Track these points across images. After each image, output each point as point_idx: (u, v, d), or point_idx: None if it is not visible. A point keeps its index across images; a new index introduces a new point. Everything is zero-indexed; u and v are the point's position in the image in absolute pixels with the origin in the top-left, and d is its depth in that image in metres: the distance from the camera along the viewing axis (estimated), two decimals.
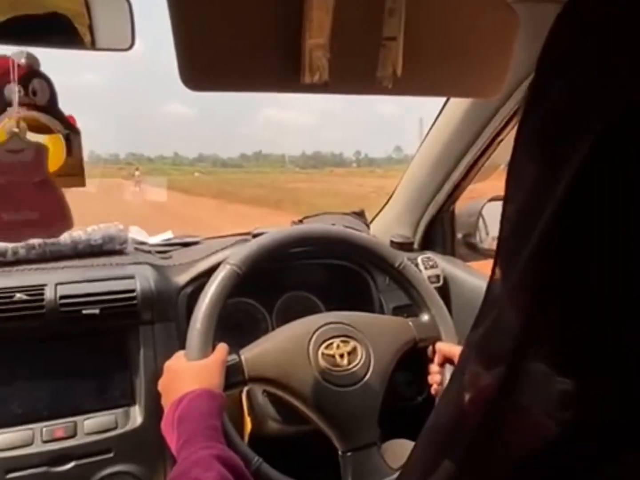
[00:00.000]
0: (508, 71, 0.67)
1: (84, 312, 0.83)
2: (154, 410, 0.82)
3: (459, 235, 1.27)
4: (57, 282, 0.84)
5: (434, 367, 0.86)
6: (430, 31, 0.62)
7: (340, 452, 0.77)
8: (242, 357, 0.75)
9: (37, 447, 0.77)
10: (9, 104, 0.55)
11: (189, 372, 0.69)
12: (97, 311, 0.83)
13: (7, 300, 0.80)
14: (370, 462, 0.77)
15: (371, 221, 1.36)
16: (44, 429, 0.78)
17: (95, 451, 0.80)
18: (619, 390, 0.22)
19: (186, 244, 1.10)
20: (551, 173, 0.23)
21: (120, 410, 0.84)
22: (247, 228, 1.15)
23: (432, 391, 0.86)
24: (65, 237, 0.94)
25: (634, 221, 0.20)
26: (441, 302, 0.91)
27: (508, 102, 0.91)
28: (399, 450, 0.93)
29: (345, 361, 0.80)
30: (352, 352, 0.81)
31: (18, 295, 0.80)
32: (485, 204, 1.23)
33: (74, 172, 0.63)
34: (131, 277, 0.90)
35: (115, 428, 0.82)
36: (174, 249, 1.08)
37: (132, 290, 0.87)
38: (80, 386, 0.84)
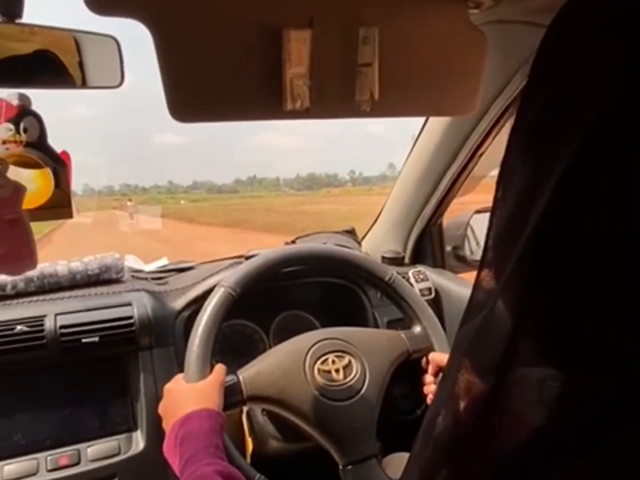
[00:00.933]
0: (480, 89, 0.71)
1: (84, 340, 0.84)
2: (156, 435, 0.83)
3: (449, 248, 1.30)
4: (57, 312, 0.86)
5: (428, 378, 0.87)
6: (404, 56, 0.65)
7: (340, 466, 0.78)
8: (240, 377, 0.76)
9: (42, 477, 0.78)
10: (2, 142, 0.58)
11: (189, 394, 0.70)
12: (96, 339, 0.85)
13: (8, 332, 0.81)
14: (370, 474, 0.78)
15: (362, 238, 1.39)
16: (49, 458, 0.79)
17: (100, 477, 0.81)
18: (605, 388, 0.22)
19: (181, 270, 1.12)
20: (539, 174, 0.24)
21: (122, 435, 0.85)
22: None
23: (428, 401, 0.87)
24: (63, 269, 0.96)
25: (618, 222, 0.21)
26: (432, 314, 0.93)
27: (485, 116, 0.95)
28: (401, 463, 0.94)
29: (341, 376, 0.81)
30: (347, 367, 0.82)
31: (19, 327, 0.82)
32: (472, 216, 1.26)
33: (62, 204, 0.66)
34: (128, 304, 0.92)
35: (118, 454, 0.83)
36: (169, 275, 1.10)
37: (130, 317, 0.89)
38: (82, 414, 0.85)
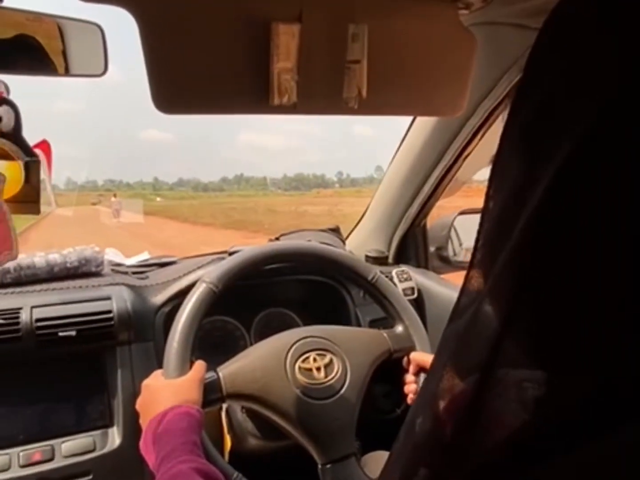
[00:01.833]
0: (468, 90, 0.71)
1: (61, 334, 0.83)
2: (133, 431, 0.82)
3: (432, 249, 1.30)
4: (33, 305, 0.84)
5: (409, 377, 0.87)
6: (392, 54, 0.65)
7: (319, 465, 0.77)
8: (220, 374, 0.76)
9: (15, 472, 0.76)
10: None
11: (167, 390, 0.69)
12: (73, 333, 0.83)
13: None
14: (349, 473, 0.77)
15: (347, 237, 1.38)
16: (21, 454, 0.78)
17: (74, 474, 0.79)
18: (589, 390, 0.22)
19: (163, 264, 1.11)
20: (533, 172, 0.24)
21: (98, 432, 0.84)
22: None
23: (409, 401, 0.88)
24: (41, 261, 0.94)
25: (613, 221, 0.21)
26: (414, 313, 0.93)
27: (471, 118, 0.95)
28: (380, 461, 0.94)
29: (322, 374, 0.81)
30: (328, 365, 0.82)
31: None
32: (456, 217, 1.26)
33: (30, 199, 0.64)
34: (107, 298, 0.90)
35: (93, 450, 0.81)
36: (150, 270, 1.09)
37: (109, 312, 0.87)
38: (57, 409, 0.83)
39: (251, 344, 1.09)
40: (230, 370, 0.77)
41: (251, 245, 0.96)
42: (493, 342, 0.25)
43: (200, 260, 1.08)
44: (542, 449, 0.24)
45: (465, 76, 0.71)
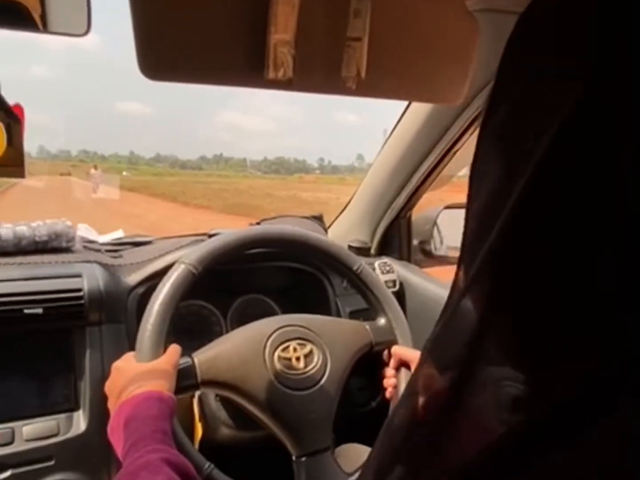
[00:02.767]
0: (468, 78, 0.69)
1: (26, 311, 0.78)
2: (99, 416, 0.78)
3: (415, 242, 1.29)
4: None
5: (389, 371, 0.86)
6: (395, 34, 0.62)
7: (294, 458, 0.75)
8: (195, 360, 0.72)
9: None
10: None
11: (138, 374, 0.66)
12: (40, 311, 0.79)
13: None
14: (324, 467, 0.76)
15: (329, 226, 1.36)
16: None
17: (35, 459, 0.75)
18: (569, 388, 0.22)
19: (138, 244, 1.07)
20: (511, 170, 0.23)
21: (62, 415, 0.80)
22: None
23: (387, 394, 0.86)
24: (7, 232, 0.89)
25: (591, 216, 0.20)
26: (398, 307, 0.92)
27: (466, 110, 0.94)
28: (352, 454, 0.93)
29: (301, 364, 0.78)
30: (308, 355, 0.80)
31: None
32: (440, 212, 1.25)
33: (14, 162, 0.60)
34: (78, 275, 0.85)
35: (57, 434, 0.77)
36: (124, 249, 1.04)
37: (79, 290, 0.83)
38: (20, 390, 0.79)
39: (227, 331, 1.06)
40: (207, 356, 0.74)
41: None
42: (471, 338, 0.25)
43: (178, 241, 1.04)
44: (523, 450, 0.23)
45: (466, 63, 0.69)
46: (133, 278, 0.93)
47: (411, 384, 0.31)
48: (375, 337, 0.87)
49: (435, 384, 0.28)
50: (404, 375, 0.84)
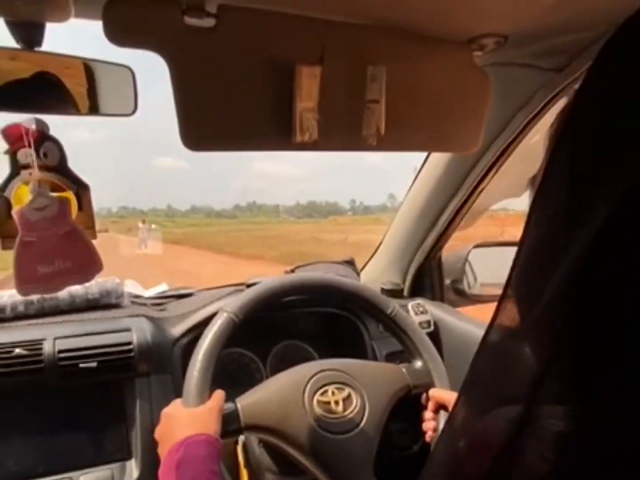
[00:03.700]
0: (483, 127, 0.73)
1: (82, 365, 0.84)
2: (151, 464, 0.81)
3: (447, 282, 1.30)
4: (56, 336, 0.85)
5: (428, 414, 0.86)
6: (410, 93, 0.68)
7: None
8: (238, 405, 0.75)
9: None
10: (23, 167, 0.59)
11: (186, 419, 0.69)
12: (94, 364, 0.84)
13: (7, 355, 0.81)
14: None
15: (361, 269, 1.39)
16: None
17: None
18: (614, 441, 0.22)
19: (181, 296, 1.12)
20: (580, 212, 0.24)
21: (116, 464, 0.84)
22: None
23: (427, 438, 0.86)
24: (63, 292, 0.96)
25: None
26: (433, 348, 0.92)
27: (486, 154, 0.97)
28: None
29: (340, 408, 0.80)
30: (347, 399, 0.82)
31: (17, 351, 0.81)
32: (470, 250, 1.27)
33: (86, 225, 0.67)
34: (127, 329, 0.91)
35: None
36: (168, 301, 1.10)
37: (129, 343, 0.88)
38: (76, 441, 0.83)
39: (267, 377, 1.09)
40: (249, 401, 0.77)
41: None
42: (531, 387, 0.25)
43: (218, 292, 1.10)
44: None
45: (480, 114, 0.73)
46: (178, 329, 0.98)
47: (454, 425, 0.31)
48: (412, 380, 0.88)
49: (478, 427, 0.28)
50: (443, 418, 0.84)
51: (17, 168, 0.60)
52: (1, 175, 0.61)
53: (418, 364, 0.91)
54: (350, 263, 1.37)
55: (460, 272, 1.28)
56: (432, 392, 0.86)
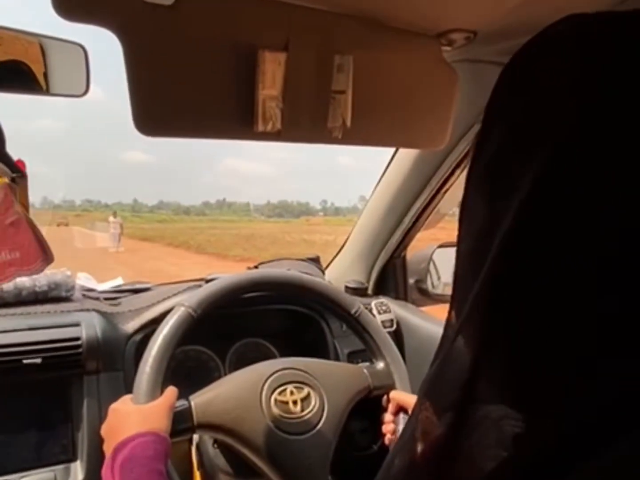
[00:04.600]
0: (450, 124, 0.72)
1: (25, 362, 0.79)
2: (97, 466, 0.77)
3: (411, 281, 1.30)
4: None
5: (387, 416, 0.85)
6: (377, 86, 0.66)
7: None
8: (192, 403, 0.72)
9: None
10: None
11: (135, 416, 0.66)
12: (38, 361, 0.80)
13: None
14: None
15: (326, 267, 1.37)
16: None
17: None
18: (563, 427, 0.22)
19: (136, 291, 1.08)
20: (496, 210, 0.25)
21: (60, 466, 0.79)
22: None
23: (386, 441, 0.85)
24: (8, 284, 0.91)
25: (574, 260, 0.22)
26: (396, 350, 0.91)
27: (452, 153, 0.97)
28: None
29: (298, 408, 0.78)
30: (305, 399, 0.80)
31: None
32: (435, 250, 1.27)
33: None
34: (76, 324, 0.86)
35: None
36: (123, 296, 1.05)
37: (77, 338, 0.84)
38: (18, 441, 0.78)
39: (225, 375, 1.06)
40: (203, 399, 0.74)
41: None
42: (465, 380, 0.26)
43: (175, 287, 1.06)
44: None
45: (447, 111, 0.72)
46: (131, 325, 0.94)
47: (408, 428, 0.31)
48: (374, 381, 0.87)
49: (431, 428, 0.28)
50: (403, 421, 0.83)
51: None
52: None
53: (380, 365, 0.90)
54: (315, 260, 1.35)
55: (425, 271, 1.28)
56: (393, 394, 0.85)
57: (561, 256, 0.22)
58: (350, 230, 1.33)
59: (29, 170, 0.71)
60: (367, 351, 0.94)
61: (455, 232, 0.30)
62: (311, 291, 0.91)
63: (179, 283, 1.12)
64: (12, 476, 0.76)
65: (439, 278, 1.32)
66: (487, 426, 0.25)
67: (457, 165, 0.99)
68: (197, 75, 0.56)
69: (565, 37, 0.25)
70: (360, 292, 1.25)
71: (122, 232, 18.48)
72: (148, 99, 0.54)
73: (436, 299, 1.29)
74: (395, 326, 1.17)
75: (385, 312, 1.17)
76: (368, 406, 0.88)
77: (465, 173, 1.03)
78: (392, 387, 0.87)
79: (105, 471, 0.62)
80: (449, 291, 1.28)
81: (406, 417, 0.82)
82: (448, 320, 0.30)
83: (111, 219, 18.67)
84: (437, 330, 1.10)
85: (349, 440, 1.05)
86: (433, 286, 1.30)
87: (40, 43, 0.65)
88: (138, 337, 0.92)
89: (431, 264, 1.29)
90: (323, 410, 0.80)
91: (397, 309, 1.21)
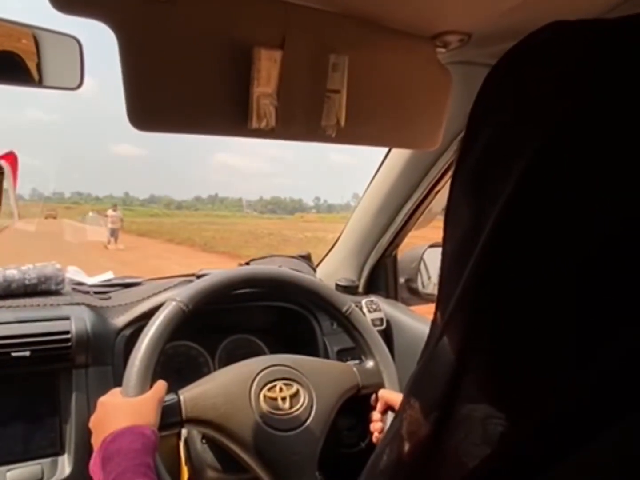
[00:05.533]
0: (443, 124, 0.72)
1: (14, 354, 0.78)
2: (84, 460, 0.77)
3: (402, 280, 1.31)
4: None
5: (375, 415, 0.85)
6: (372, 86, 0.66)
7: None
8: (181, 397, 0.72)
9: None
10: None
11: (124, 409, 0.66)
12: (27, 354, 0.79)
13: None
14: None
15: (317, 265, 1.38)
16: None
17: None
18: (547, 425, 0.23)
19: (127, 285, 1.07)
20: (481, 211, 0.25)
21: (47, 460, 0.79)
22: None
23: (374, 439, 0.85)
24: None
25: (557, 260, 0.22)
26: (386, 349, 0.92)
27: (444, 154, 0.97)
28: None
29: (287, 405, 0.79)
30: (294, 396, 0.80)
31: None
32: (426, 250, 1.28)
33: None
34: (66, 318, 0.86)
35: (41, 479, 0.77)
36: (113, 290, 1.05)
37: (67, 332, 0.84)
38: (5, 434, 0.78)
39: (215, 371, 1.06)
40: (193, 393, 0.74)
41: None
42: (450, 379, 0.26)
43: (166, 282, 1.05)
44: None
45: (440, 112, 0.73)
46: (121, 320, 0.93)
47: (393, 427, 0.32)
48: (363, 379, 0.87)
49: (417, 426, 0.28)
50: (390, 420, 0.84)
51: None
52: None
53: (369, 363, 0.91)
54: (306, 258, 1.35)
55: (415, 271, 1.29)
56: (382, 392, 0.86)
57: (543, 258, 0.22)
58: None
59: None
60: (356, 349, 0.94)
61: None
62: (302, 288, 0.92)
63: (169, 278, 1.12)
64: None
65: (429, 278, 1.33)
66: (471, 424, 0.25)
67: (450, 166, 1.00)
68: (192, 71, 0.56)
69: (548, 44, 0.25)
70: (351, 290, 1.26)
71: (121, 228, 16.96)
72: (142, 93, 0.54)
73: (426, 298, 1.30)
74: (385, 325, 1.17)
75: (375, 310, 1.18)
76: (357, 404, 0.88)
77: None
78: (381, 385, 0.88)
79: (93, 464, 0.62)
80: None
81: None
82: (434, 320, 0.30)
83: (110, 212, 16.54)
84: (427, 330, 1.10)
85: (337, 437, 1.05)
86: (423, 286, 1.31)
87: (34, 35, 0.65)
88: (128, 331, 0.92)
89: (422, 264, 1.29)
90: (312, 408, 0.80)
91: (387, 308, 1.22)
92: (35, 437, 0.80)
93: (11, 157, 0.72)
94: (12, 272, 0.92)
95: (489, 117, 0.27)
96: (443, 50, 0.72)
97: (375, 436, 0.84)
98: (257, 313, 1.15)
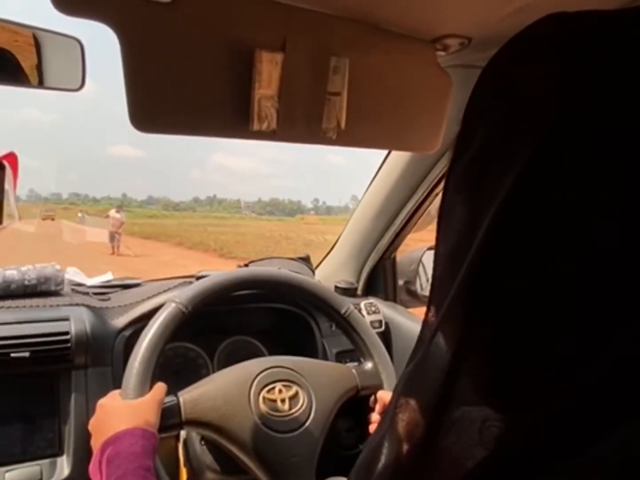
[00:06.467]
0: (443, 127, 0.73)
1: (13, 355, 0.78)
2: (83, 461, 0.77)
3: (401, 282, 1.31)
4: None
5: (374, 416, 0.85)
6: (372, 88, 0.67)
7: None
8: (180, 399, 0.72)
9: None
10: None
11: (123, 411, 0.66)
12: (27, 354, 0.79)
13: None
14: None
15: (316, 267, 1.38)
16: None
17: None
18: (544, 427, 0.22)
19: (126, 286, 1.07)
20: (476, 213, 0.25)
21: (46, 461, 0.79)
22: None
23: None
24: None
25: (552, 260, 0.22)
26: (384, 351, 0.92)
27: (443, 157, 0.98)
28: None
29: (286, 406, 0.79)
30: (293, 397, 0.80)
31: None
32: (424, 252, 1.28)
33: None
34: (65, 319, 0.86)
35: None
36: (113, 291, 1.05)
37: (66, 333, 0.84)
38: (4, 435, 0.78)
39: (214, 373, 1.06)
40: (192, 395, 0.74)
41: None
42: (445, 380, 0.26)
43: (166, 283, 1.06)
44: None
45: (440, 115, 0.73)
46: (120, 321, 0.93)
47: (385, 424, 0.31)
48: (362, 381, 0.87)
49: (411, 427, 0.28)
50: None
51: None
52: None
53: (368, 365, 0.91)
54: (305, 260, 1.36)
55: (414, 273, 1.29)
56: (380, 394, 0.86)
57: (542, 257, 0.22)
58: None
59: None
60: (355, 351, 0.94)
61: None
62: (301, 290, 0.92)
63: (169, 279, 1.12)
64: None
65: (427, 280, 1.33)
66: (467, 425, 0.25)
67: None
68: (194, 73, 0.56)
69: (545, 39, 0.25)
70: (349, 292, 1.26)
71: (122, 233, 15.13)
72: (144, 95, 0.54)
73: (425, 300, 1.30)
74: (383, 327, 1.18)
75: (374, 312, 1.18)
76: (355, 406, 0.88)
77: None
78: (380, 387, 0.88)
79: (92, 466, 0.62)
80: None
81: None
82: (425, 321, 0.30)
83: (112, 213, 14.73)
84: None
85: (335, 439, 1.05)
86: (422, 288, 1.31)
87: (36, 35, 0.65)
88: (127, 332, 0.92)
89: (420, 266, 1.30)
90: (311, 409, 0.80)
91: (386, 310, 1.22)
92: (34, 438, 0.80)
93: (11, 158, 0.71)
94: (12, 273, 0.92)
95: (484, 115, 0.27)
96: (443, 53, 0.72)
97: None
98: (257, 315, 1.15)
